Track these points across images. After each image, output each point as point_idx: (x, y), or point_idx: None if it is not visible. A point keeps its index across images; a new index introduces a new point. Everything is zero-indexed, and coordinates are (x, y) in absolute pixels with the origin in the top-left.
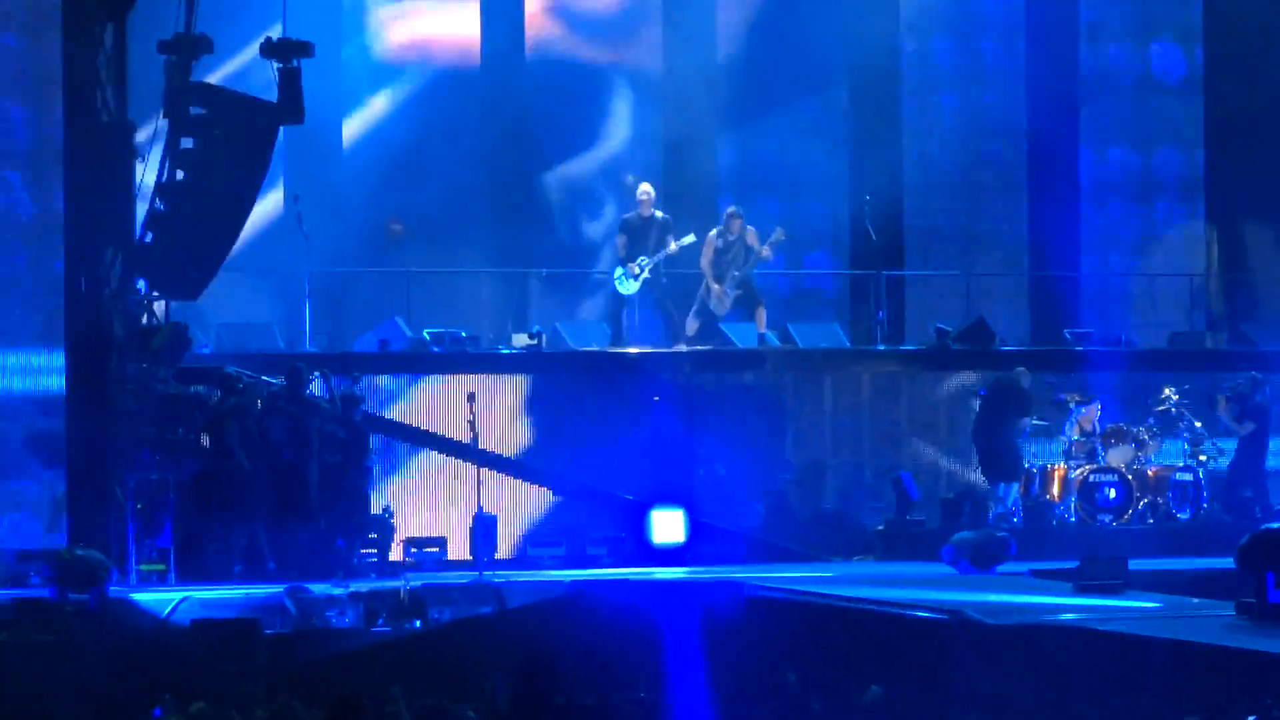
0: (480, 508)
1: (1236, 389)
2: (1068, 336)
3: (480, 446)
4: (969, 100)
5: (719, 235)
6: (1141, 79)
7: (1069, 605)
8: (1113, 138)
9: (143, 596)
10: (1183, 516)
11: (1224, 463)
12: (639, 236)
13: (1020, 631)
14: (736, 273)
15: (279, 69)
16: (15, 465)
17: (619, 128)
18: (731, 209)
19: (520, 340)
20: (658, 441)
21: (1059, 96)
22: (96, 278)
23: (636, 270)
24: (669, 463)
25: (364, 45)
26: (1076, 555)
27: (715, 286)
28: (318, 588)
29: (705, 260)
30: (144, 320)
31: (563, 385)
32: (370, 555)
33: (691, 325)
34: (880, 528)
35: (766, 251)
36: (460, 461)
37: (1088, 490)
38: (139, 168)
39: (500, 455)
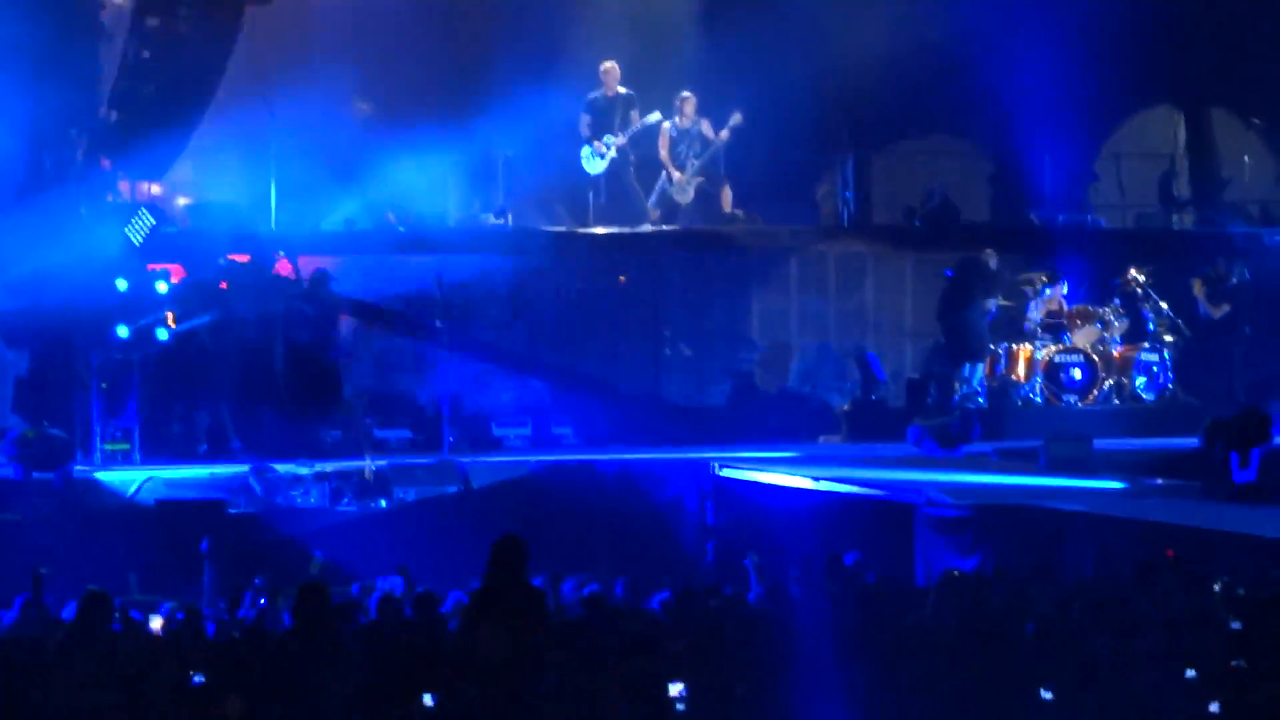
0: (447, 388)
1: (1213, 271)
2: (1033, 218)
3: (447, 327)
4: None
5: (673, 125)
6: None
7: (1033, 485)
8: None
9: (107, 476)
10: (1148, 397)
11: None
12: (604, 115)
13: (984, 511)
14: (695, 160)
15: None
16: None
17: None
18: (684, 94)
19: (487, 220)
20: (624, 322)
21: None
22: (61, 157)
23: (603, 149)
24: (635, 342)
25: None
26: (1041, 435)
27: (676, 175)
28: (283, 467)
29: (663, 150)
30: (109, 199)
31: (530, 265)
32: (336, 435)
33: (653, 213)
34: (846, 408)
35: (724, 135)
36: (428, 342)
37: (1053, 370)
38: (104, 47)
39: (466, 336)
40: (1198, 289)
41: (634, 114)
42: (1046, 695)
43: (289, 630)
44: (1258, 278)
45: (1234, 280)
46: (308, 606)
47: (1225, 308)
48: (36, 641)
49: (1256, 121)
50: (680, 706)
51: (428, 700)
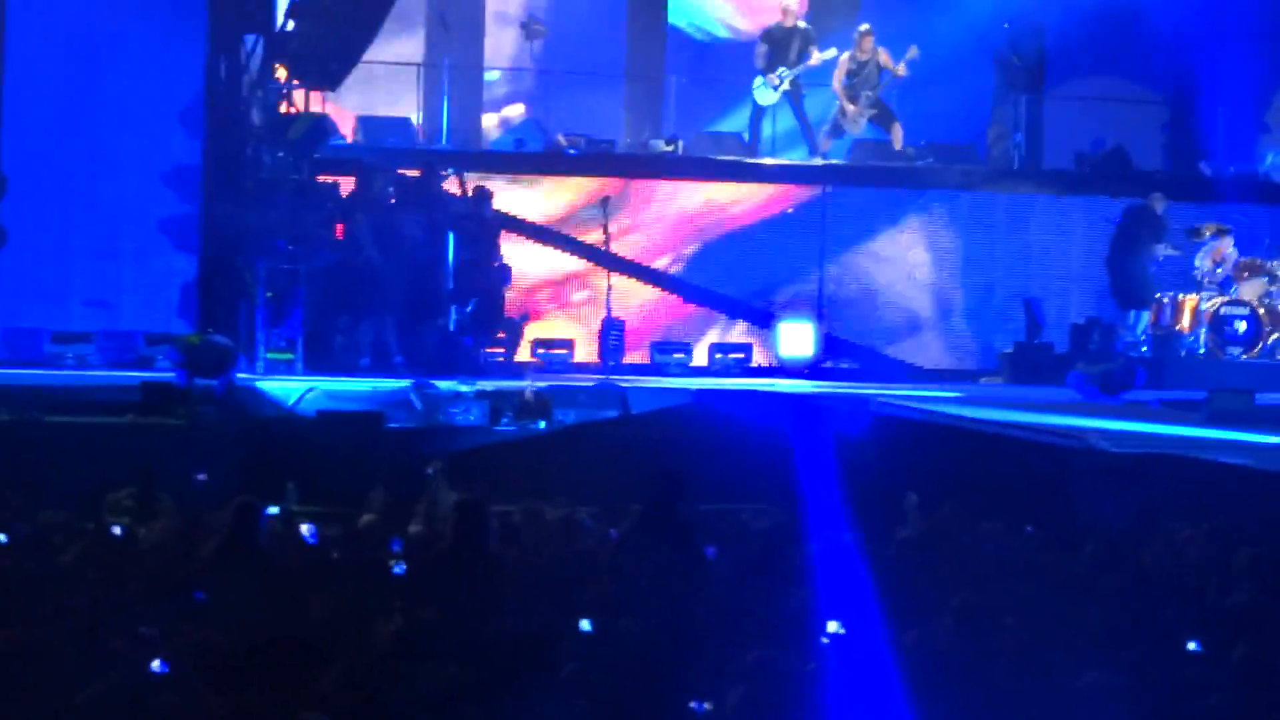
0: (609, 312)
1: None
2: (1204, 168)
3: (612, 251)
4: None
5: (851, 56)
6: None
7: (1196, 437)
8: None
9: (269, 385)
10: None
11: None
12: (781, 47)
13: (1146, 460)
14: (870, 92)
15: None
16: (148, 248)
17: None
18: (863, 27)
19: (658, 146)
20: (791, 253)
21: None
22: (236, 65)
23: (776, 81)
24: (801, 275)
25: None
26: (1203, 387)
27: (850, 107)
28: (444, 384)
29: (837, 81)
30: (283, 108)
31: (699, 193)
32: (498, 354)
33: (825, 143)
34: (1009, 350)
35: (901, 69)
36: (591, 265)
37: (1218, 322)
38: None
39: (631, 260)
40: None
41: (812, 49)
42: (1193, 647)
43: (449, 547)
44: None
45: None
46: (467, 523)
47: None
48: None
49: None
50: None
51: (585, 625)
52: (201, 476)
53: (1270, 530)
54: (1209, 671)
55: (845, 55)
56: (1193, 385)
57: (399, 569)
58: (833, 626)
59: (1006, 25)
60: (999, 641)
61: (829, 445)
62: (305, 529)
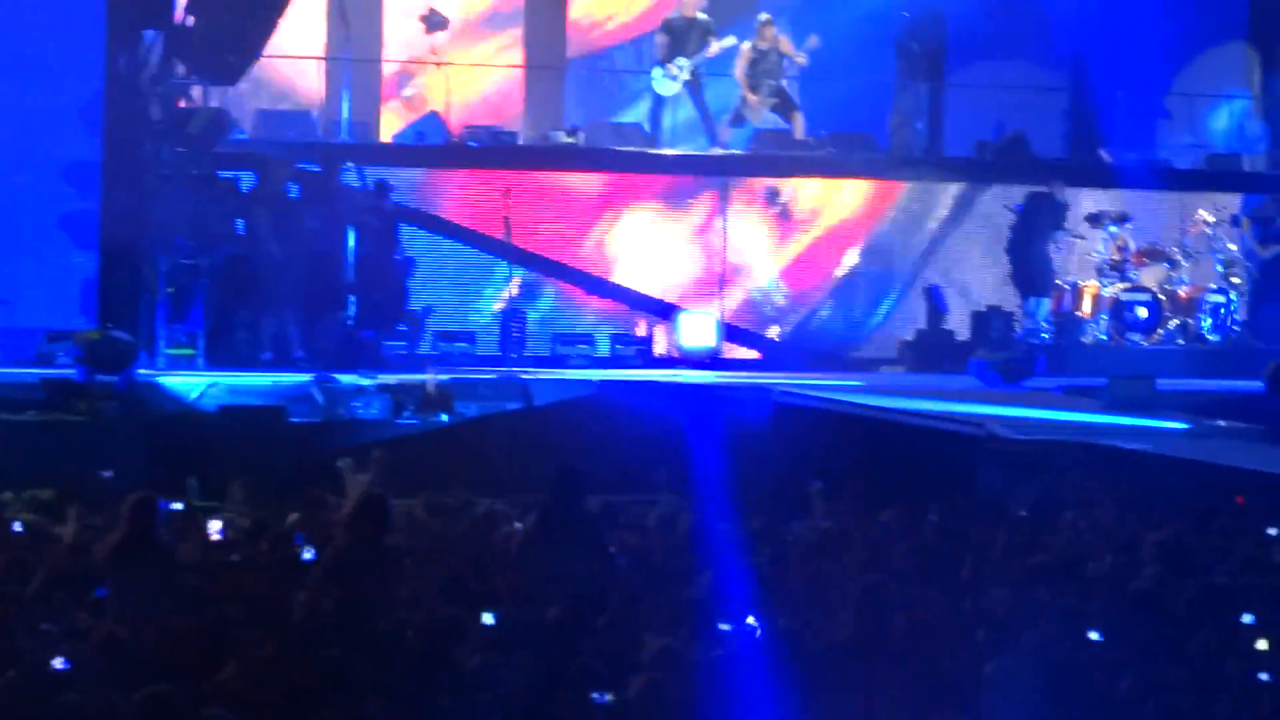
0: (511, 304)
1: (1261, 210)
2: (1104, 154)
3: (514, 243)
4: None
5: (752, 46)
6: None
7: (1096, 423)
8: None
9: (170, 380)
10: (1213, 338)
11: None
12: (680, 37)
13: (1047, 447)
14: (771, 81)
15: None
16: (48, 244)
17: None
18: (764, 16)
19: (559, 137)
20: (692, 243)
21: None
22: (135, 60)
23: (675, 71)
24: (703, 265)
25: None
26: (1105, 373)
27: (751, 96)
28: (345, 378)
29: (739, 70)
30: (182, 104)
31: (600, 184)
32: (400, 348)
33: (726, 133)
34: (909, 338)
35: (802, 58)
36: (493, 257)
37: (1119, 309)
38: None
39: (533, 252)
40: (1246, 228)
41: (711, 38)
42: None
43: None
44: None
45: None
46: (367, 517)
47: (1274, 248)
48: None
49: None
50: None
51: (488, 619)
52: (107, 474)
53: (1171, 514)
54: (1114, 655)
55: (746, 44)
56: (1093, 372)
57: (308, 556)
58: (750, 620)
59: (906, 13)
60: (902, 628)
61: (731, 435)
62: (214, 525)
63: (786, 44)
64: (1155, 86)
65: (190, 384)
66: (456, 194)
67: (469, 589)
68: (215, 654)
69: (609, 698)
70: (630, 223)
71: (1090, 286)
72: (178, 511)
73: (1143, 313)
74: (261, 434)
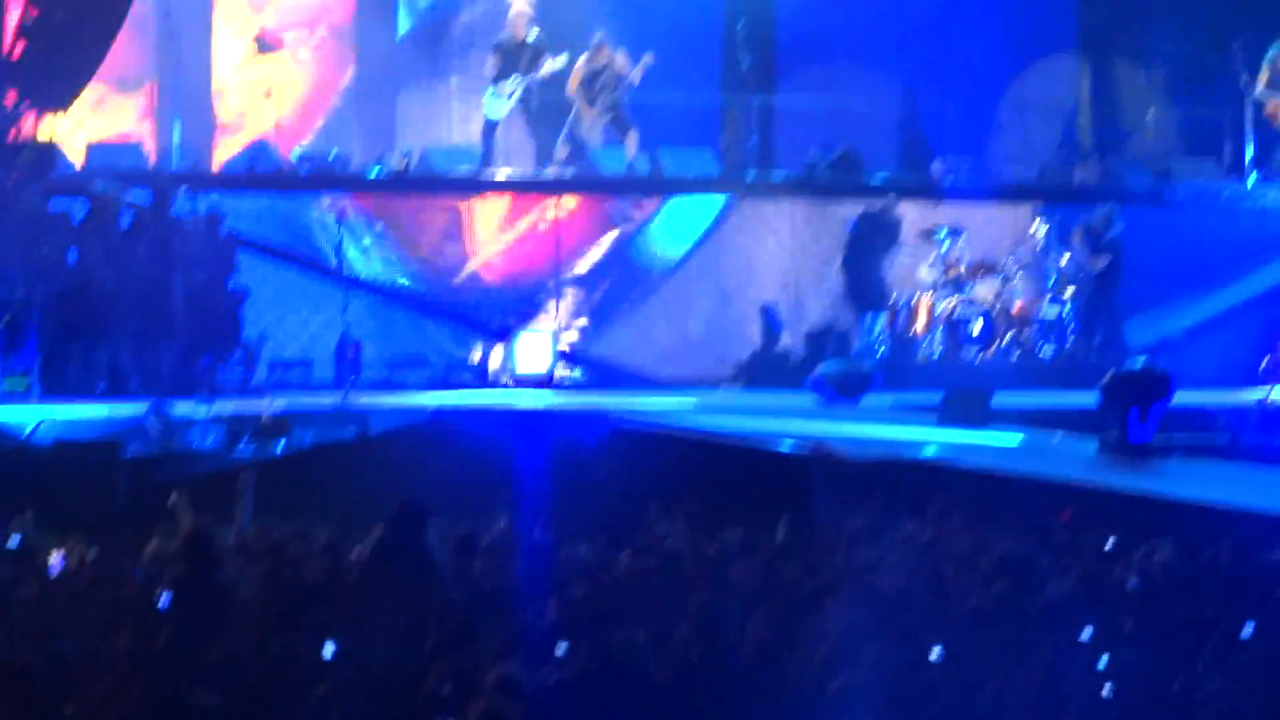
0: (346, 330)
1: (1091, 223)
2: (938, 168)
3: (348, 269)
4: None
5: (586, 62)
6: None
7: (933, 438)
8: None
9: (4, 415)
10: (1048, 351)
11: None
12: (511, 58)
13: (883, 464)
14: (605, 99)
15: None
16: None
17: None
18: (598, 34)
19: (390, 162)
20: (526, 265)
21: None
22: None
23: (507, 92)
24: (537, 287)
25: None
26: (941, 388)
27: (586, 112)
28: (180, 408)
29: (573, 87)
30: (11, 134)
31: (433, 207)
32: (235, 376)
33: (561, 150)
34: (746, 357)
35: (636, 75)
36: (327, 283)
37: (953, 323)
38: None
39: (368, 279)
40: (1077, 239)
41: (543, 58)
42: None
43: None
44: (1158, 231)
45: (1112, 231)
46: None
47: (1105, 259)
48: None
49: (1160, 74)
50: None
51: (327, 650)
52: None
53: (1008, 531)
54: (955, 672)
55: (581, 60)
56: (930, 387)
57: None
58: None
59: (739, 27)
60: (740, 651)
61: (568, 458)
62: (54, 556)
63: (622, 61)
64: (986, 98)
65: (25, 418)
66: (289, 220)
67: (306, 620)
68: (52, 690)
69: None
70: (465, 245)
71: (925, 301)
72: (13, 549)
73: (977, 326)
74: (96, 468)
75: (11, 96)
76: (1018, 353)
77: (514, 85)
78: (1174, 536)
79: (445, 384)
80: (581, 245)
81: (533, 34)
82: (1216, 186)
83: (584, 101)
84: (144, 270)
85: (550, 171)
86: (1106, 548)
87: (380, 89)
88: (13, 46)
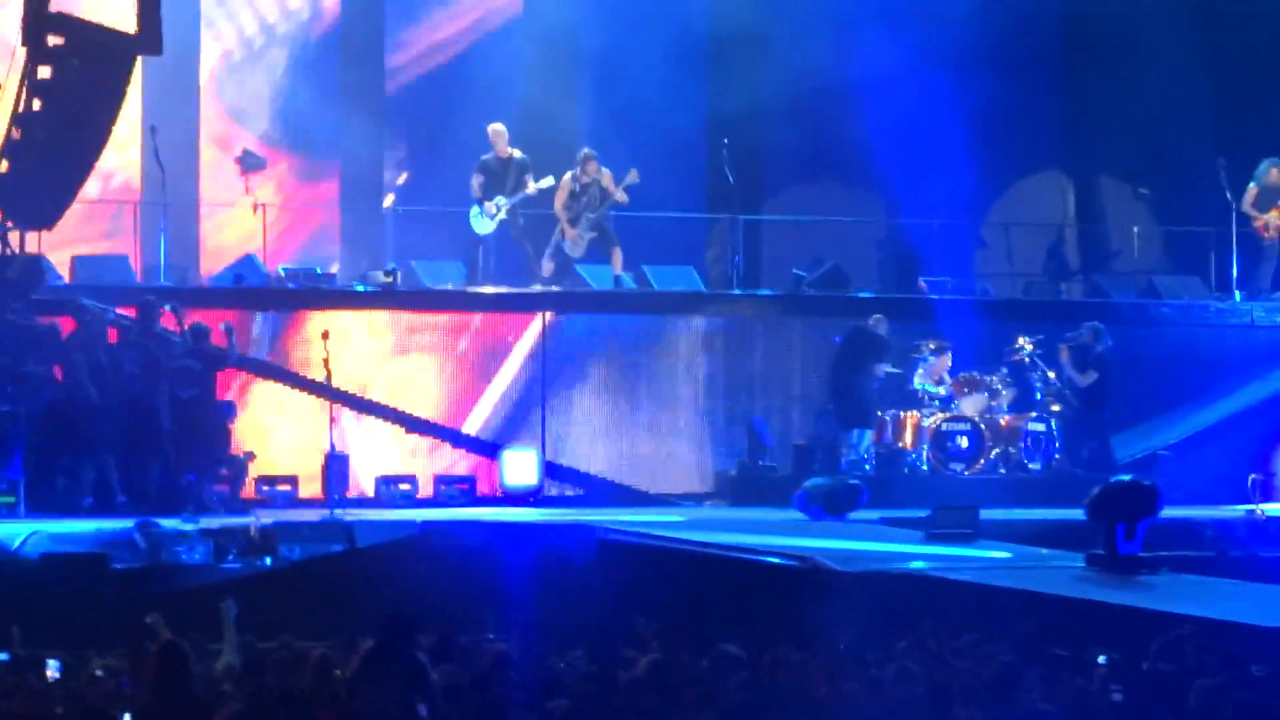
0: (333, 446)
1: (1078, 338)
2: (923, 284)
3: (334, 384)
4: None
5: (574, 178)
6: None
7: (920, 553)
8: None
9: None
10: (1034, 467)
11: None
12: (496, 177)
13: (871, 578)
14: (591, 215)
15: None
16: None
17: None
18: (585, 151)
19: (377, 277)
20: (512, 381)
21: None
22: None
23: (493, 210)
24: (524, 403)
25: None
26: (928, 504)
27: (570, 229)
28: (167, 522)
29: (559, 203)
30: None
31: (419, 324)
32: (222, 491)
33: (546, 266)
34: (733, 472)
35: (621, 195)
36: (314, 399)
37: (940, 439)
38: None
39: (354, 394)
40: (1064, 356)
41: (528, 178)
42: None
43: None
44: (1144, 347)
45: (1099, 348)
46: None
47: (1092, 375)
48: None
49: (1145, 191)
50: None
51: None
52: None
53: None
54: None
55: (566, 177)
56: (917, 503)
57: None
58: None
59: (725, 143)
60: None
61: (556, 572)
62: (51, 665)
63: (608, 179)
64: (969, 213)
65: (12, 532)
66: (275, 335)
67: None
68: None
69: None
70: (452, 361)
71: (911, 417)
72: (3, 662)
73: (964, 442)
74: (84, 581)
75: None
76: (1004, 468)
77: (499, 203)
78: (1160, 649)
79: (434, 499)
80: (567, 360)
81: (516, 152)
82: (1203, 302)
83: (567, 219)
84: (129, 385)
85: (536, 287)
86: (1098, 660)
87: (366, 203)
88: None
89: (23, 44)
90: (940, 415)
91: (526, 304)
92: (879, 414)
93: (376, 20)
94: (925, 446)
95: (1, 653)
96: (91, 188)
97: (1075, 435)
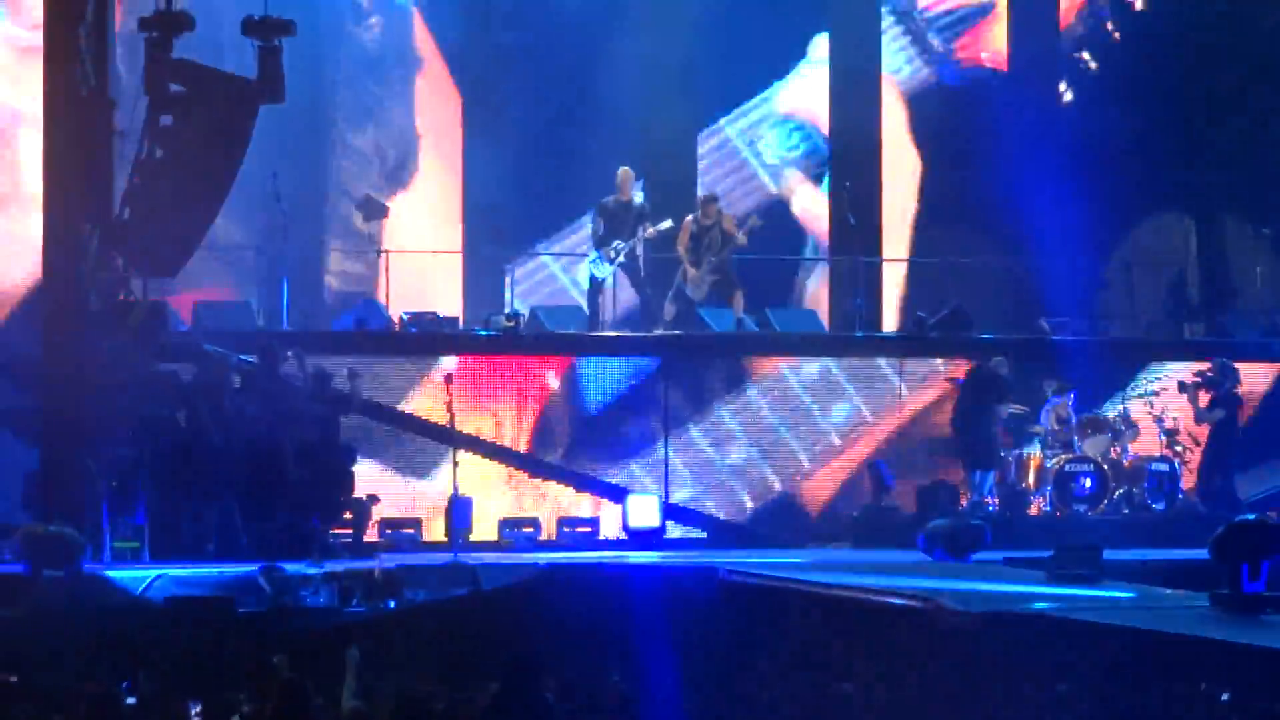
0: (456, 489)
1: (1206, 376)
2: (1045, 325)
3: (457, 428)
4: None
5: (694, 220)
6: None
7: (1043, 594)
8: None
9: (117, 573)
10: (1158, 507)
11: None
12: (616, 221)
13: (995, 619)
14: (713, 258)
15: (259, 47)
16: None
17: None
18: (707, 194)
19: (499, 322)
20: (634, 423)
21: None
22: (73, 253)
23: (612, 254)
24: (646, 445)
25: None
26: (1051, 545)
27: (691, 271)
28: (292, 567)
29: (681, 245)
30: (121, 296)
31: (541, 368)
32: (345, 535)
33: (668, 310)
34: (856, 514)
35: (742, 238)
36: (437, 443)
37: (1063, 480)
38: (118, 144)
39: (477, 437)
40: (1192, 393)
41: (646, 222)
42: None
43: None
44: (1267, 386)
45: (1226, 385)
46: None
47: (1220, 413)
48: None
49: (1267, 231)
50: None
51: None
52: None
53: (1120, 686)
54: None
55: (688, 219)
56: (1040, 544)
57: None
58: None
59: (847, 185)
60: None
61: (679, 614)
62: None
63: (730, 222)
64: (1094, 257)
65: (137, 576)
66: (399, 380)
67: None
68: None
69: None
70: (574, 405)
71: (1034, 458)
72: (132, 706)
73: (1087, 483)
74: (210, 625)
75: (120, 260)
76: (1127, 509)
77: (618, 247)
78: None
79: (557, 542)
80: (689, 402)
81: (638, 195)
82: None
83: (689, 260)
84: (252, 430)
85: (658, 330)
86: (1223, 699)
87: (487, 248)
88: (120, 211)
89: (145, 92)
90: (1063, 456)
91: (648, 347)
92: (1002, 455)
93: None
94: (1048, 487)
95: (130, 697)
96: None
97: (1201, 474)
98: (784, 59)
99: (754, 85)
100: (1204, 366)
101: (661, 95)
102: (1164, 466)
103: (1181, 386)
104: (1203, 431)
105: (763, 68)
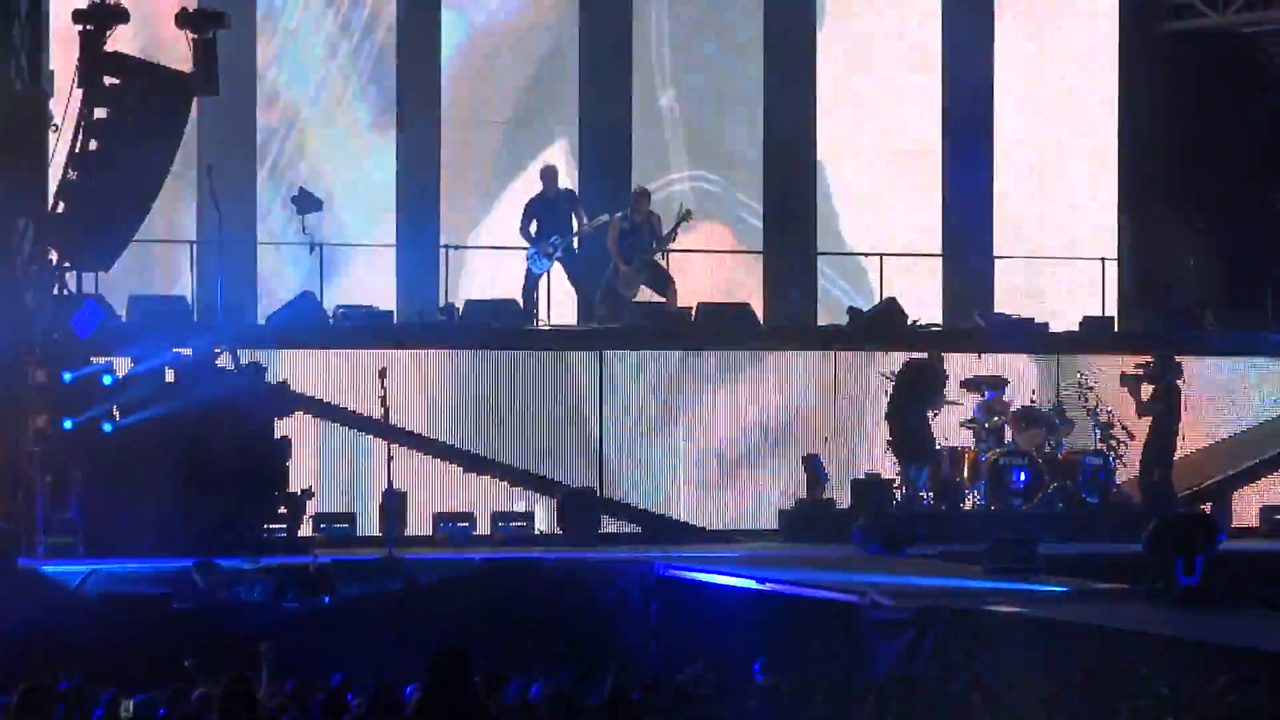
0: (390, 484)
1: (1147, 368)
2: (979, 319)
3: (391, 422)
4: None
5: (625, 217)
6: None
7: (978, 588)
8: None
9: (52, 568)
10: (1092, 500)
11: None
12: (548, 215)
13: (930, 613)
14: (644, 254)
15: (193, 40)
16: None
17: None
18: (638, 188)
19: (433, 316)
20: (569, 417)
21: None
22: (8, 247)
23: (549, 250)
24: (580, 439)
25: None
26: (986, 539)
27: (623, 268)
28: (226, 562)
29: (611, 241)
30: (56, 291)
31: (474, 361)
32: (280, 530)
33: (599, 309)
34: (790, 508)
35: (674, 234)
36: (371, 437)
37: (997, 473)
38: (52, 137)
39: (411, 431)
40: (1131, 386)
41: (578, 212)
42: None
43: None
44: (1200, 380)
45: (1168, 378)
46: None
47: (1161, 405)
48: None
49: (1199, 223)
50: None
51: None
52: None
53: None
54: None
55: (618, 215)
56: (975, 538)
57: None
58: None
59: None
60: None
61: (613, 610)
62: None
63: (660, 218)
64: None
65: (72, 571)
66: (332, 374)
67: None
68: None
69: None
70: (508, 398)
71: (969, 452)
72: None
73: (1021, 476)
74: (145, 620)
75: (55, 254)
76: (1062, 502)
77: (555, 241)
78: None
79: (492, 537)
80: (622, 396)
81: (566, 188)
82: (1260, 335)
83: (621, 257)
84: (188, 426)
85: (592, 325)
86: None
87: (420, 242)
88: (55, 205)
89: (79, 85)
90: (997, 450)
91: (584, 340)
92: (936, 449)
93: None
94: (983, 481)
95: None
96: (149, 227)
97: (1143, 468)
98: None
99: None
100: (1145, 359)
101: None
102: (1098, 460)
103: (1123, 379)
104: (1138, 425)
105: None
